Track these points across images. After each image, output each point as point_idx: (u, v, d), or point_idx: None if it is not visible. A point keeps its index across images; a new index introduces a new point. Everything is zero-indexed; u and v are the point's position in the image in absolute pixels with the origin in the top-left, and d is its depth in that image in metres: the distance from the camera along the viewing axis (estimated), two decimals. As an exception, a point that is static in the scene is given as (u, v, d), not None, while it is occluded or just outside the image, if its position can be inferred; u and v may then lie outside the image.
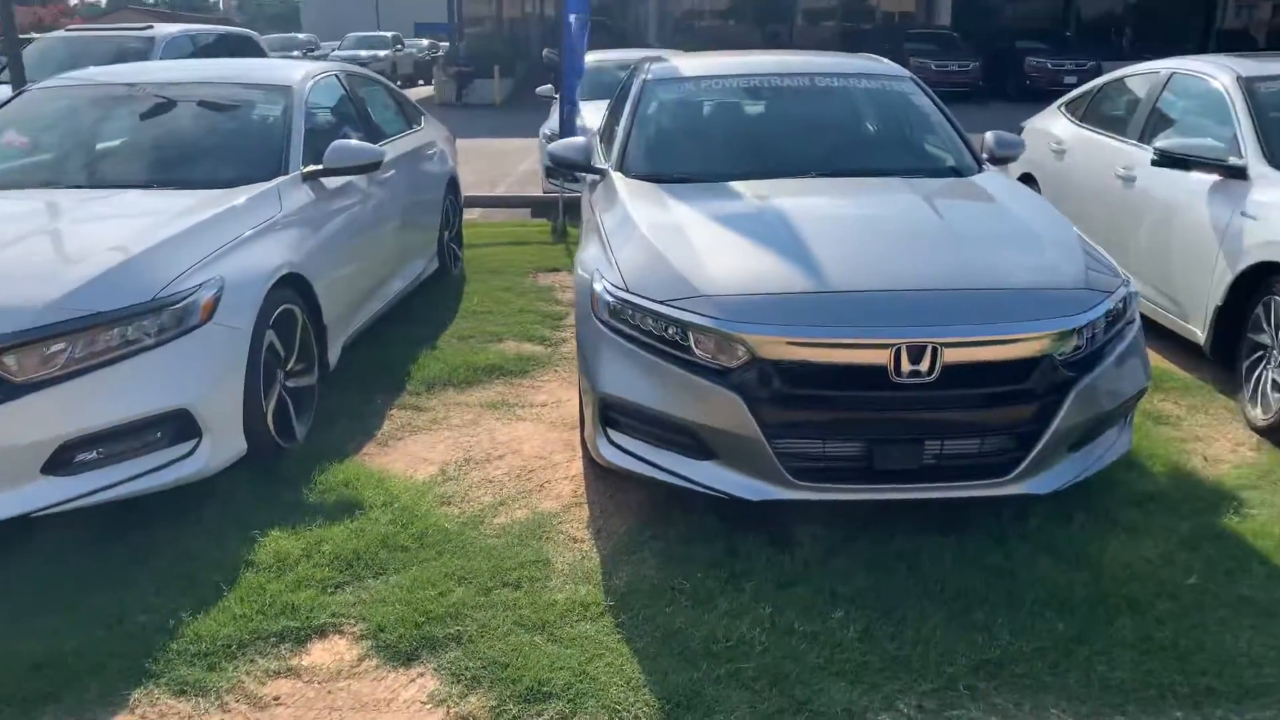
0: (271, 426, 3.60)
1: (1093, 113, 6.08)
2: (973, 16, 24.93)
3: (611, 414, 3.18)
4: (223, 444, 3.31)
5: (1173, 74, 5.32)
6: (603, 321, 3.18)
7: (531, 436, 4.03)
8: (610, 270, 3.26)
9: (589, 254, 3.56)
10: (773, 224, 3.40)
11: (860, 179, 3.95)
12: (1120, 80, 5.94)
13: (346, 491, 3.46)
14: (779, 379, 2.87)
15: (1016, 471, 2.94)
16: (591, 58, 8.77)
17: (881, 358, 2.83)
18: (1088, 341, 2.99)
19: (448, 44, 25.65)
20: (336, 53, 29.55)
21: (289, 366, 3.82)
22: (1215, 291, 4.31)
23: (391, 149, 5.38)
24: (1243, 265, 4.11)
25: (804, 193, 3.77)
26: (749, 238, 3.32)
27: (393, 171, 5.26)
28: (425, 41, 35.23)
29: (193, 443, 3.23)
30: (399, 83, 29.33)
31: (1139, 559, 2.95)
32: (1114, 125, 5.70)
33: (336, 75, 5.26)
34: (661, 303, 3.04)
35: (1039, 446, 2.91)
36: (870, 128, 4.50)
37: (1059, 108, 6.58)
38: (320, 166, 4.29)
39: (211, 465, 3.27)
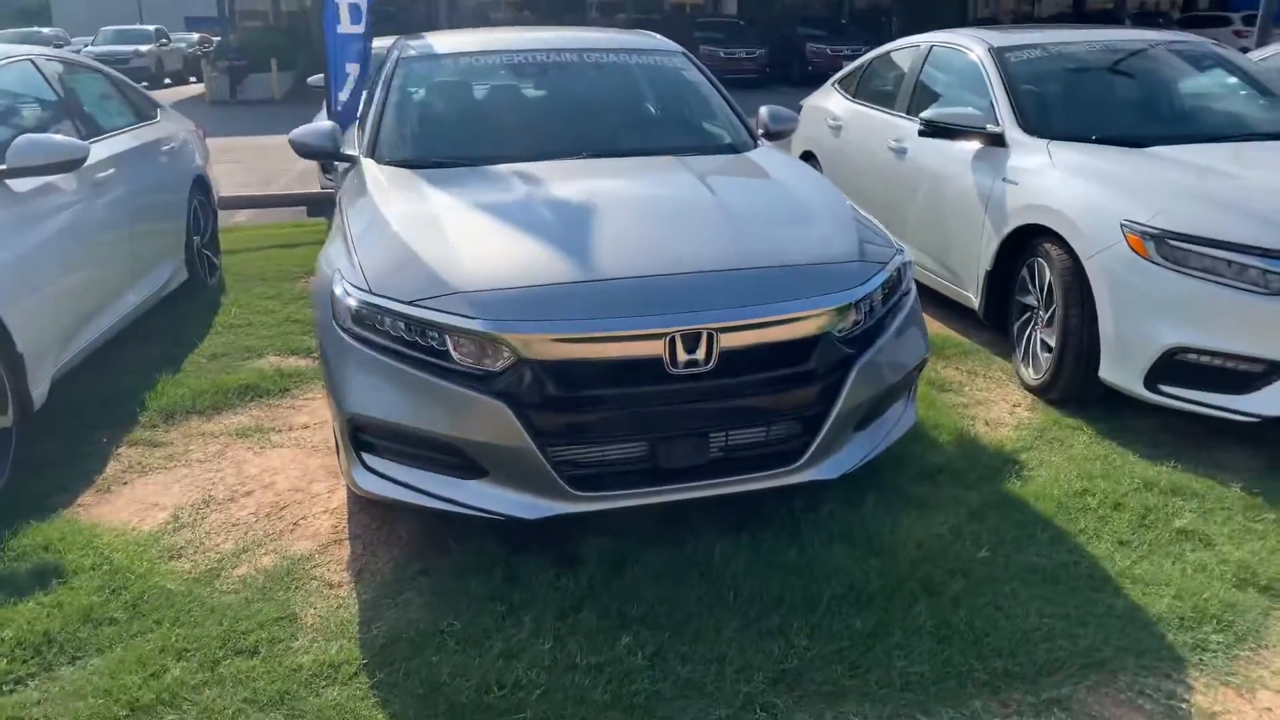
0: (-56, 486, 2.93)
1: (864, 88, 6.17)
2: (757, 6, 25.78)
3: (365, 436, 2.76)
4: None
5: (932, 47, 5.45)
6: (345, 330, 2.76)
7: (288, 466, 3.53)
8: (353, 270, 2.84)
9: (331, 251, 3.12)
10: (536, 210, 3.08)
11: (633, 159, 3.71)
12: (887, 55, 6.05)
13: (45, 556, 2.86)
14: (548, 381, 2.56)
15: (805, 458, 2.78)
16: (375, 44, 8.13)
17: (655, 349, 2.58)
18: (866, 315, 2.87)
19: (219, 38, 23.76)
20: (90, 49, 26.75)
21: (-33, 410, 3.14)
22: (984, 257, 4.39)
23: (110, 145, 4.68)
24: (1007, 229, 4.19)
25: (572, 175, 3.47)
26: (510, 225, 2.99)
27: (113, 170, 4.55)
28: (195, 36, 32.52)
29: None
30: (167, 81, 26.99)
31: (931, 536, 2.86)
32: (884, 99, 5.79)
33: (32, 61, 4.47)
34: (410, 303, 2.66)
35: (824, 429, 2.76)
36: (643, 105, 4.27)
37: (833, 85, 6.66)
38: (1, 166, 3.58)
39: None
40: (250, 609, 2.62)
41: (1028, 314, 4.16)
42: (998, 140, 4.42)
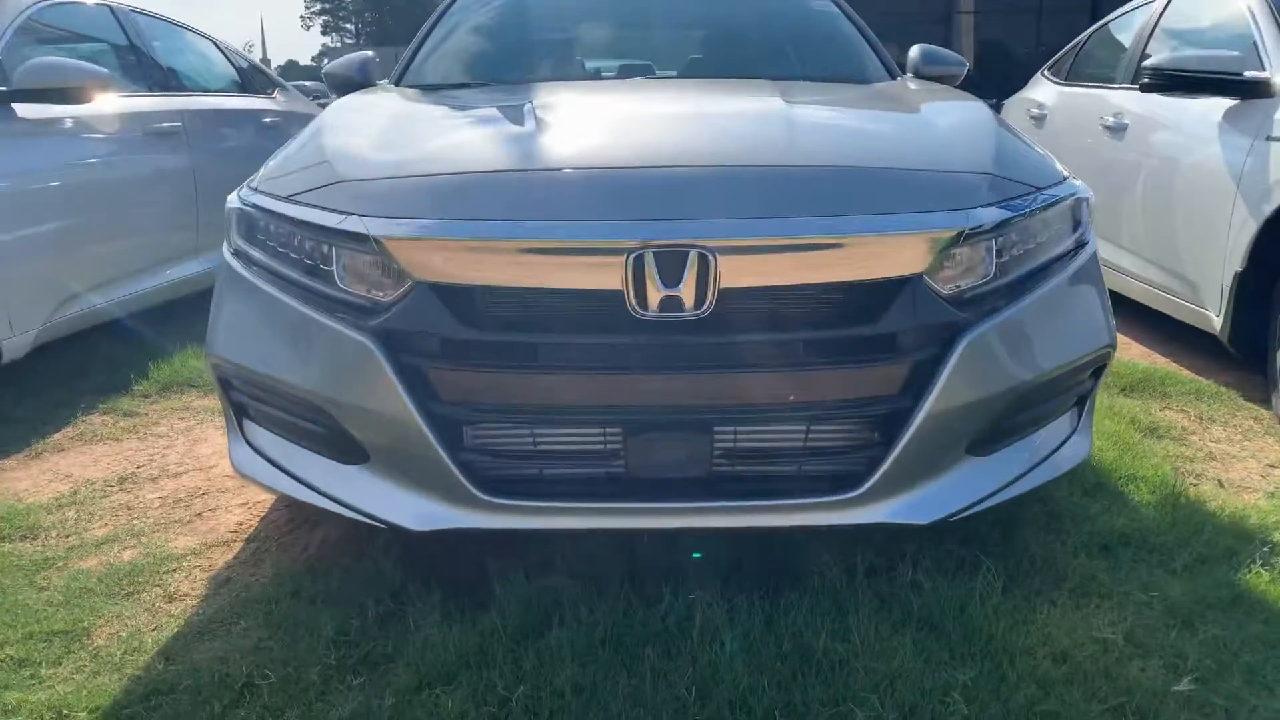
0: None
1: (1079, 68, 4.88)
2: None
3: (237, 395, 1.98)
4: None
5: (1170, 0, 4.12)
6: (230, 245, 2.01)
7: (245, 448, 2.82)
8: (254, 176, 2.09)
9: None
10: (518, 111, 2.20)
11: (708, 80, 2.77)
12: (1108, 25, 4.74)
13: (-115, 520, 2.27)
14: (446, 317, 1.66)
15: (869, 484, 1.68)
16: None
17: (609, 275, 1.60)
18: (995, 264, 1.74)
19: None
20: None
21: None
22: (1234, 252, 3.03)
23: (184, 101, 4.32)
24: (1271, 206, 2.84)
25: (603, 89, 2.59)
26: (469, 121, 2.15)
27: (180, 124, 4.16)
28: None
29: None
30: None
31: (1086, 642, 1.65)
32: (1102, 75, 4.50)
33: (111, 9, 4.20)
34: (286, 199, 1.86)
35: (904, 440, 1.65)
36: (743, 31, 3.30)
37: (1042, 73, 5.39)
38: (-1, 88, 3.19)
39: None
40: (42, 615, 1.87)
41: (1300, 333, 2.78)
42: (1259, 89, 3.08)
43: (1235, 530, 2.14)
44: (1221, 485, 2.46)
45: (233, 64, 5.17)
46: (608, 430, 1.68)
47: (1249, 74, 3.13)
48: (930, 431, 1.68)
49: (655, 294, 1.60)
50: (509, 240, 1.61)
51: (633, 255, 1.58)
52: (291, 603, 1.89)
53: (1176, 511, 2.22)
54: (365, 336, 1.68)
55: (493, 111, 2.19)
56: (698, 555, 1.73)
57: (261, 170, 2.07)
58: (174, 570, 2.09)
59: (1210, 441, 2.79)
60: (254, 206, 1.92)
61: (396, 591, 1.87)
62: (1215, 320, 3.20)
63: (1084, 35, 5.03)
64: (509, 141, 1.89)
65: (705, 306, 1.61)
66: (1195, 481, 2.47)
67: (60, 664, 1.71)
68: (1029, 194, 1.82)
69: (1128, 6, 4.63)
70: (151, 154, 3.97)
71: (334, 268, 1.76)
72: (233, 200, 2.01)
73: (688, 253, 1.58)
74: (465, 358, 1.66)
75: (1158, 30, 4.10)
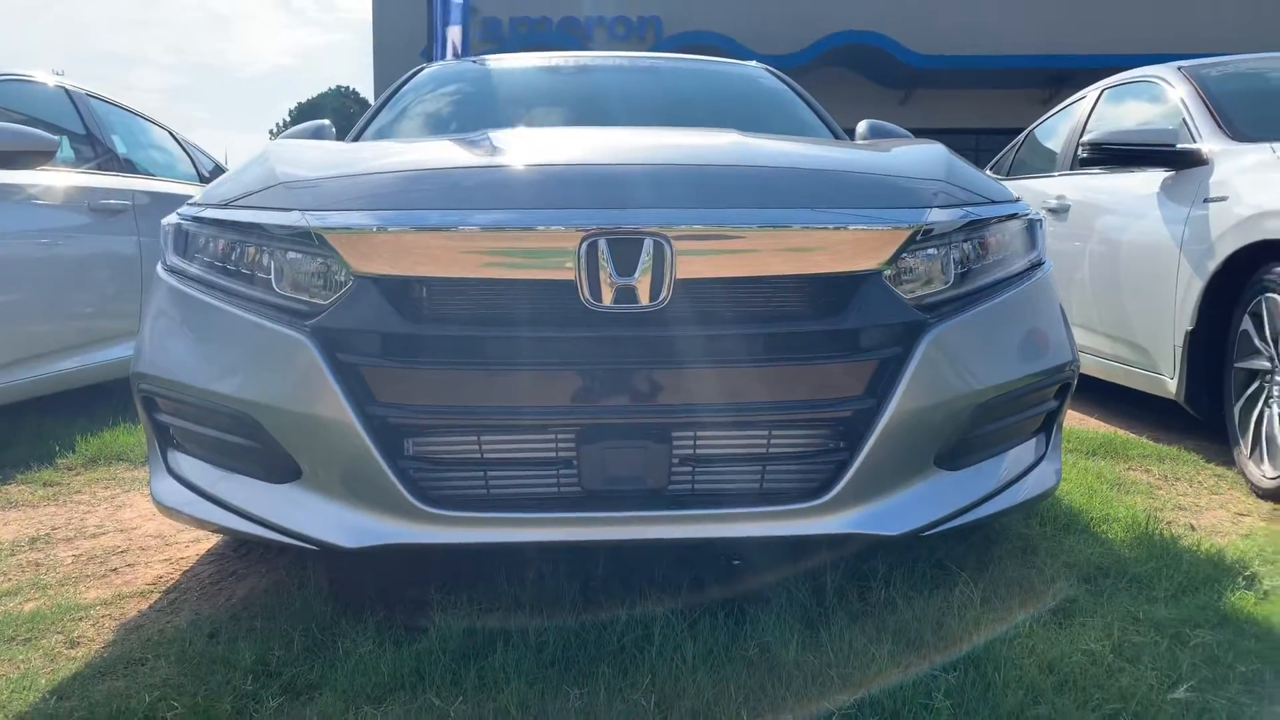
0: None
1: (1018, 165, 5.09)
2: None
3: (162, 417, 1.84)
4: None
5: (1103, 91, 4.35)
6: (165, 264, 1.92)
7: (172, 511, 2.63)
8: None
9: None
10: (470, 136, 2.18)
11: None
12: (1044, 123, 4.99)
13: None
14: (388, 313, 1.57)
15: (837, 490, 1.59)
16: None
17: (561, 265, 1.54)
18: (956, 274, 1.72)
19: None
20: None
21: None
22: (1182, 312, 3.08)
23: (136, 183, 4.27)
24: (1215, 263, 2.90)
25: (560, 127, 2.60)
26: (420, 145, 2.12)
27: (129, 203, 4.10)
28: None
29: None
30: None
31: (1074, 654, 1.53)
32: (1041, 168, 4.69)
33: (67, 91, 4.21)
34: (224, 205, 1.79)
35: (870, 443, 1.58)
36: (699, 100, 3.37)
37: (985, 172, 5.61)
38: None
39: None
40: (-82, 661, 1.66)
41: (1255, 383, 2.79)
42: (1192, 159, 3.21)
43: (1214, 563, 2.07)
44: (1194, 529, 2.40)
45: (191, 158, 5.18)
46: (559, 434, 1.58)
47: (1182, 146, 3.26)
48: (896, 435, 1.60)
49: (609, 285, 1.54)
50: (456, 229, 1.55)
51: (586, 242, 1.53)
52: (208, 643, 1.71)
53: (1152, 547, 2.14)
54: (302, 334, 1.58)
55: (443, 138, 2.17)
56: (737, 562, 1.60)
57: (200, 193, 2.01)
58: (80, 619, 1.89)
59: (1177, 495, 2.74)
60: (192, 219, 1.84)
61: (327, 625, 1.70)
62: (1170, 383, 3.21)
63: (1021, 136, 5.27)
64: (458, 148, 1.86)
65: (661, 299, 1.55)
66: (1167, 526, 2.40)
67: (-73, 707, 1.51)
68: (984, 204, 1.82)
69: (1057, 108, 4.88)
70: (96, 232, 3.88)
71: (271, 268, 1.68)
72: (170, 218, 1.94)
73: (643, 240, 1.53)
74: (407, 355, 1.57)
75: (1091, 120, 4.31)
